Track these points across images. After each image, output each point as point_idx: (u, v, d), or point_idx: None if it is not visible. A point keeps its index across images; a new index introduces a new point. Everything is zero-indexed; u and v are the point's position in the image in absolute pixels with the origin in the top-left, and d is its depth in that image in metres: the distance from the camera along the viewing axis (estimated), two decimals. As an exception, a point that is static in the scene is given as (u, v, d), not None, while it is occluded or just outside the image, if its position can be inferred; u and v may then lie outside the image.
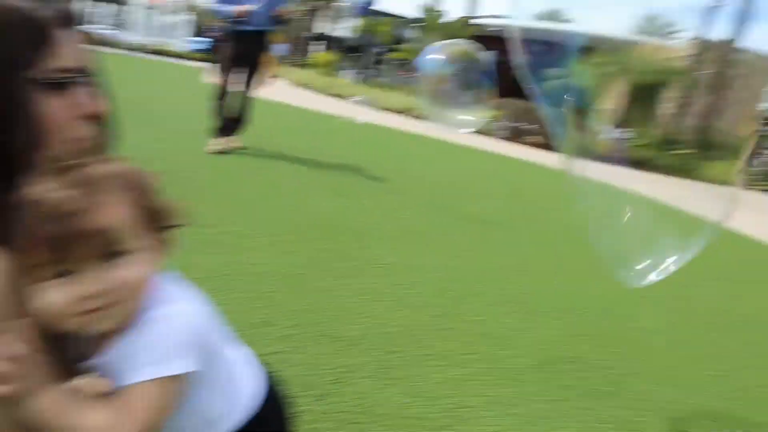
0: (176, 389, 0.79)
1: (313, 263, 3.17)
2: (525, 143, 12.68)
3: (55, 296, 0.73)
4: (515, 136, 13.09)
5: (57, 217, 0.70)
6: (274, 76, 6.37)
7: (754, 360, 3.09)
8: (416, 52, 14.95)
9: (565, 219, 5.62)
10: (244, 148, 5.96)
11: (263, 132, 6.93)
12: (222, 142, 5.76)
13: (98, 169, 0.76)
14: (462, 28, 16.30)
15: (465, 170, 7.60)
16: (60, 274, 0.72)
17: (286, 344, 2.29)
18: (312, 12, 35.19)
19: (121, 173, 0.78)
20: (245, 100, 5.96)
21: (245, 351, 1.06)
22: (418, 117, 13.84)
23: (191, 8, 31.78)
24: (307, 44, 30.38)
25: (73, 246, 0.71)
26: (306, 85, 17.87)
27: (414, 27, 18.02)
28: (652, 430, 2.22)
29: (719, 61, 13.78)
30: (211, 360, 0.86)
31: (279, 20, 5.69)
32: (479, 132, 13.04)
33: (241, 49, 5.63)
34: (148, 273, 0.79)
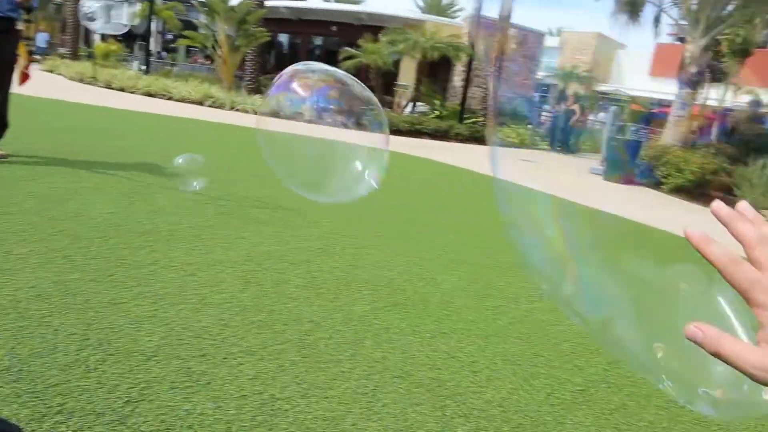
0: None
1: (97, 276, 2.83)
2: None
3: None
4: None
5: None
6: (29, 75, 5.55)
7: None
8: (206, 38, 14.29)
9: (378, 196, 5.84)
10: (6, 156, 5.14)
11: (33, 134, 6.06)
12: None
13: None
14: (251, 12, 15.87)
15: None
16: None
17: (73, 372, 2.02)
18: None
19: None
20: (0, 101, 5.13)
21: None
22: (217, 106, 13.31)
23: None
24: (84, 34, 27.27)
25: None
26: (84, 79, 16.04)
27: (202, 11, 17.08)
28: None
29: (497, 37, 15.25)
30: None
31: (23, 6, 4.93)
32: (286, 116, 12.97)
33: None
34: None
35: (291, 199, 4.99)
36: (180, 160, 2.24)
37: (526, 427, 2.13)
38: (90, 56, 25.82)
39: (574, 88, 21.04)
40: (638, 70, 25.31)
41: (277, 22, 19.66)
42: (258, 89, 16.54)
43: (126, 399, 1.93)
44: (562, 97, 19.02)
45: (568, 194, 7.00)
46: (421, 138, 12.40)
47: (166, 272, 3.01)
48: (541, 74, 24.03)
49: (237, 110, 13.15)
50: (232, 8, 15.76)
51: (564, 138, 14.07)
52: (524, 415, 2.20)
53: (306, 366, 2.30)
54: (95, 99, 11.15)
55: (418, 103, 15.37)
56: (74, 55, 24.88)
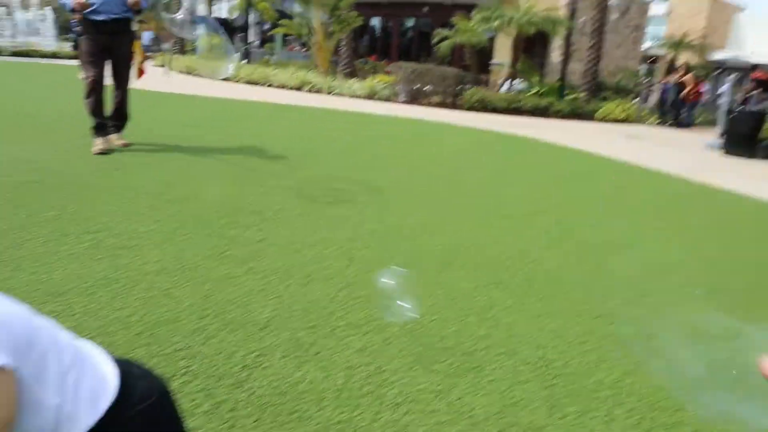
0: (2, 381, 0.79)
1: (213, 253, 3.02)
2: (425, 104, 12.83)
3: None
4: (415, 98, 13.18)
5: None
6: (143, 65, 5.96)
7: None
8: (301, 26, 14.62)
9: (476, 175, 5.76)
10: (129, 144, 5.59)
11: (147, 125, 6.54)
12: (103, 142, 5.35)
13: None
14: (345, -3, 16.06)
15: (373, 137, 7.57)
16: None
17: (195, 338, 2.18)
18: (188, -5, 33.43)
19: None
20: (121, 95, 5.56)
21: (90, 347, 1.03)
22: (314, 91, 13.65)
23: (47, 2, 29.19)
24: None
25: None
26: (192, 72, 17.04)
27: (296, 0, 17.51)
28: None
29: (596, 7, 14.43)
30: (32, 352, 0.87)
31: (134, 8, 5.28)
32: (379, 98, 13.07)
33: (99, 40, 5.18)
34: None
35: (392, 180, 5.04)
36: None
37: (641, 411, 2.03)
38: (195, 50, 27.32)
39: (685, 57, 19.53)
40: (760, 35, 23.03)
41: (369, 6, 19.76)
42: (353, 73, 16.77)
43: (242, 365, 2.04)
44: (671, 68, 17.72)
45: (683, 171, 6.53)
46: (519, 116, 12.05)
47: (274, 250, 3.14)
48: (647, 44, 22.50)
49: (334, 94, 13.42)
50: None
51: (675, 111, 13.12)
52: (639, 399, 2.09)
53: (411, 340, 2.32)
54: (202, 90, 11.80)
55: (515, 81, 14.90)
56: (182, 50, 26.45)
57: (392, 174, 5.33)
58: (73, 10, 5.07)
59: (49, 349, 0.92)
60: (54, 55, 21.81)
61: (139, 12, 5.35)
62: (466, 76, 13.87)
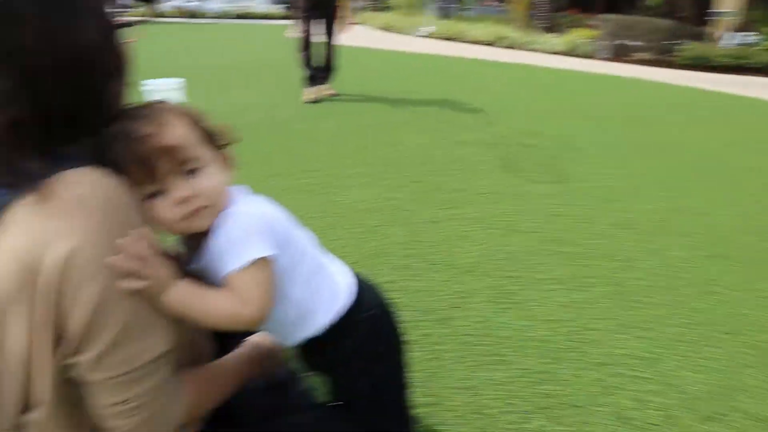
0: (267, 269, 0.91)
1: (417, 197, 3.13)
2: (630, 61, 11.75)
3: (157, 209, 0.87)
4: (618, 54, 12.14)
5: (137, 140, 0.83)
6: (352, 22, 6.29)
7: None
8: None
9: (690, 137, 5.19)
10: (336, 94, 5.99)
11: (352, 77, 6.91)
12: (314, 91, 5.82)
13: (157, 105, 0.91)
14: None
15: (570, 94, 7.17)
16: (158, 192, 0.87)
17: (402, 273, 2.29)
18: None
19: (174, 105, 0.93)
20: (329, 48, 5.99)
21: (332, 257, 1.15)
22: (508, 47, 13.25)
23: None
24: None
25: (157, 162, 0.85)
26: (388, 28, 17.55)
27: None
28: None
29: None
30: (289, 249, 0.98)
31: None
32: (578, 54, 12.28)
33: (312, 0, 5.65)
34: (222, 180, 0.93)
35: (593, 140, 4.74)
36: None
37: None
38: (388, 8, 28.04)
39: None
40: None
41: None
42: (552, 27, 15.92)
43: (448, 304, 2.11)
44: None
45: None
46: (745, 74, 10.46)
47: (476, 198, 3.16)
48: None
49: (529, 50, 12.89)
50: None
51: None
52: None
53: (618, 303, 2.20)
54: (398, 45, 12.10)
55: (743, 33, 12.92)
56: (379, 7, 27.28)
57: (594, 134, 5.00)
58: None
59: (301, 251, 1.04)
60: (265, 17, 23.86)
61: None
62: (681, 28, 12.36)
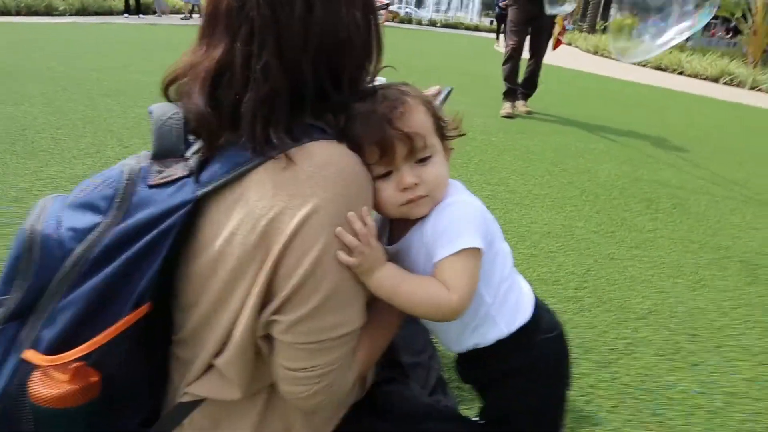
0: (477, 261, 0.92)
1: (599, 229, 2.99)
2: None
3: (384, 189, 0.90)
4: None
5: (381, 123, 0.87)
6: (561, 41, 6.12)
7: None
8: (737, 6, 12.75)
9: None
10: (531, 112, 5.91)
11: (551, 97, 6.76)
12: (510, 107, 5.79)
13: (401, 88, 0.94)
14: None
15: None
16: (386, 174, 0.90)
17: (570, 306, 2.22)
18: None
19: (416, 91, 0.96)
20: (535, 65, 5.87)
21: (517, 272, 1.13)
22: (735, 84, 11.90)
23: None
24: (603, 8, 28.34)
25: (398, 145, 0.88)
26: (598, 52, 16.77)
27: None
28: None
29: None
30: (492, 249, 0.99)
31: None
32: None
33: (526, 13, 5.54)
34: (446, 171, 0.95)
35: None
36: None
37: None
38: (605, 30, 26.76)
39: None
40: None
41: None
42: (791, 68, 13.94)
43: (612, 347, 1.99)
44: None
45: None
46: None
47: (666, 243, 2.93)
48: None
49: (759, 89, 11.45)
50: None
51: None
52: None
53: (822, 393, 1.90)
54: (605, 70, 11.52)
55: None
56: (592, 29, 26.14)
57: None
58: None
59: (500, 254, 1.04)
60: (476, 28, 24.23)
61: None
62: None
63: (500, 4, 18.40)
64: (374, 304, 0.96)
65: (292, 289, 0.78)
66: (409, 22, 24.64)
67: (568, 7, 5.26)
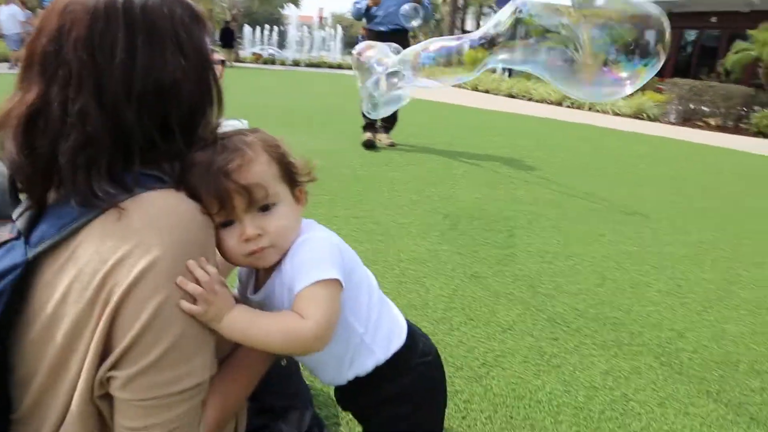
0: (336, 292, 0.91)
1: (463, 250, 3.13)
2: (699, 127, 11.45)
3: (225, 240, 0.90)
4: (687, 119, 11.87)
5: (217, 174, 0.86)
6: None
7: None
8: (568, 40, 14.16)
9: (747, 205, 4.98)
10: (394, 144, 6.13)
11: (412, 128, 7.05)
12: (369, 135, 6.04)
13: (243, 136, 0.92)
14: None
15: (626, 157, 7.05)
16: (227, 224, 0.89)
17: (440, 327, 2.28)
18: (458, 9, 35.19)
19: (261, 137, 0.95)
20: None
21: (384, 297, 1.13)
22: (575, 106, 13.20)
23: (338, 21, 33.41)
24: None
25: (236, 197, 0.87)
26: (457, 85, 17.89)
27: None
28: None
29: None
30: (353, 279, 0.99)
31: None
32: (645, 117, 12.08)
33: None
34: (292, 219, 0.95)
35: (653, 203, 4.63)
36: None
37: None
38: (460, 63, 28.64)
39: None
40: None
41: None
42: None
43: (482, 361, 2.08)
44: None
45: None
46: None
47: (525, 256, 3.13)
48: None
49: (596, 110, 12.81)
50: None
51: None
52: None
53: (664, 375, 2.10)
54: (463, 100, 12.29)
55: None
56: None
57: (654, 198, 4.88)
58: (366, 10, 5.80)
59: (363, 283, 1.05)
60: (339, 66, 24.83)
61: (426, 20, 5.82)
62: (757, 95, 11.98)
63: (360, 41, 19.28)
64: (230, 355, 0.93)
65: (130, 342, 0.74)
66: (273, 63, 24.74)
67: (415, 23, 5.60)
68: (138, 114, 0.80)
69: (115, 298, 0.73)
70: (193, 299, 0.79)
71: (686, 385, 2.05)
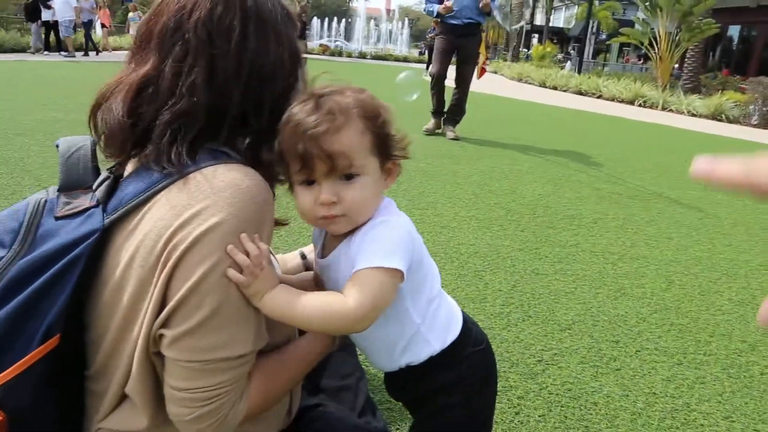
0: (394, 282, 0.89)
1: (524, 246, 3.09)
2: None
3: (302, 198, 0.91)
4: (768, 122, 11.17)
5: (307, 138, 0.86)
6: (486, 69, 6.42)
7: None
8: (644, 34, 13.69)
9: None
10: (458, 138, 6.09)
11: (478, 123, 6.99)
12: (432, 124, 6.21)
13: (342, 98, 0.90)
14: (699, 2, 14.40)
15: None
16: (308, 182, 0.90)
17: (497, 321, 2.27)
18: (526, 3, 34.40)
19: (360, 103, 0.91)
20: (459, 93, 6.13)
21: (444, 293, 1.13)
22: (648, 105, 12.70)
23: (406, 13, 33.41)
24: (524, 37, 29.78)
25: (318, 162, 0.87)
26: (522, 78, 17.54)
27: (642, 7, 16.41)
28: None
29: None
30: (420, 271, 0.98)
31: (485, 12, 5.73)
32: (723, 119, 11.47)
33: (449, 43, 5.90)
34: (373, 193, 0.93)
35: (727, 208, 4.41)
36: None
37: None
38: (527, 58, 28.12)
39: None
40: None
41: (729, 12, 17.33)
42: (696, 89, 15.04)
43: (538, 359, 2.05)
44: None
45: None
46: None
47: (588, 256, 3.06)
48: None
49: (669, 110, 12.27)
50: (677, 0, 14.63)
51: None
52: None
53: (732, 388, 2.01)
54: (530, 96, 12.05)
55: None
56: (515, 58, 27.36)
57: (729, 202, 4.64)
58: (438, 15, 5.81)
59: (428, 276, 1.05)
60: (405, 59, 24.83)
61: (488, 14, 5.80)
62: None
63: (428, 36, 19.21)
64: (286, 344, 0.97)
65: (177, 302, 0.77)
66: (340, 54, 25.00)
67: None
68: (242, 94, 0.87)
69: (173, 258, 0.77)
70: (240, 270, 0.81)
71: (756, 401, 1.95)
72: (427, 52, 18.72)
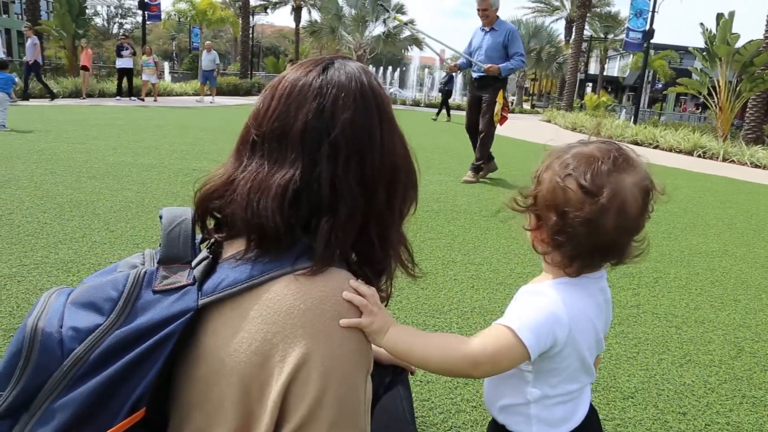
0: (515, 350, 0.92)
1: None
2: None
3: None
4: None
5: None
6: (506, 117, 6.56)
7: None
8: (702, 84, 13.39)
9: None
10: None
11: (530, 173, 6.94)
12: (470, 175, 6.45)
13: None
14: (760, 53, 14.05)
15: (764, 213, 6.45)
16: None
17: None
18: (581, 53, 34.41)
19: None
20: (479, 139, 6.49)
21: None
22: (707, 156, 12.33)
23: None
24: (578, 86, 29.66)
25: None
26: (575, 128, 17.41)
27: (699, 57, 16.11)
28: None
29: None
30: (551, 361, 0.98)
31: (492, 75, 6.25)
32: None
33: (472, 93, 6.62)
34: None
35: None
36: None
37: None
38: (581, 107, 27.94)
39: None
40: None
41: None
42: (759, 139, 14.54)
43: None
44: None
45: None
46: None
47: (650, 318, 2.95)
48: None
49: (731, 161, 11.87)
50: (737, 51, 14.33)
51: None
52: None
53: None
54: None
55: None
56: (569, 107, 27.20)
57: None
58: (448, 73, 6.71)
59: (564, 373, 1.01)
60: (458, 107, 25.10)
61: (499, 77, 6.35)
62: None
63: (441, 83, 20.01)
64: None
65: (304, 417, 0.77)
66: (395, 102, 25.56)
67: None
68: (387, 193, 0.88)
69: (286, 372, 0.76)
70: (359, 313, 0.82)
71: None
72: (442, 97, 19.36)
